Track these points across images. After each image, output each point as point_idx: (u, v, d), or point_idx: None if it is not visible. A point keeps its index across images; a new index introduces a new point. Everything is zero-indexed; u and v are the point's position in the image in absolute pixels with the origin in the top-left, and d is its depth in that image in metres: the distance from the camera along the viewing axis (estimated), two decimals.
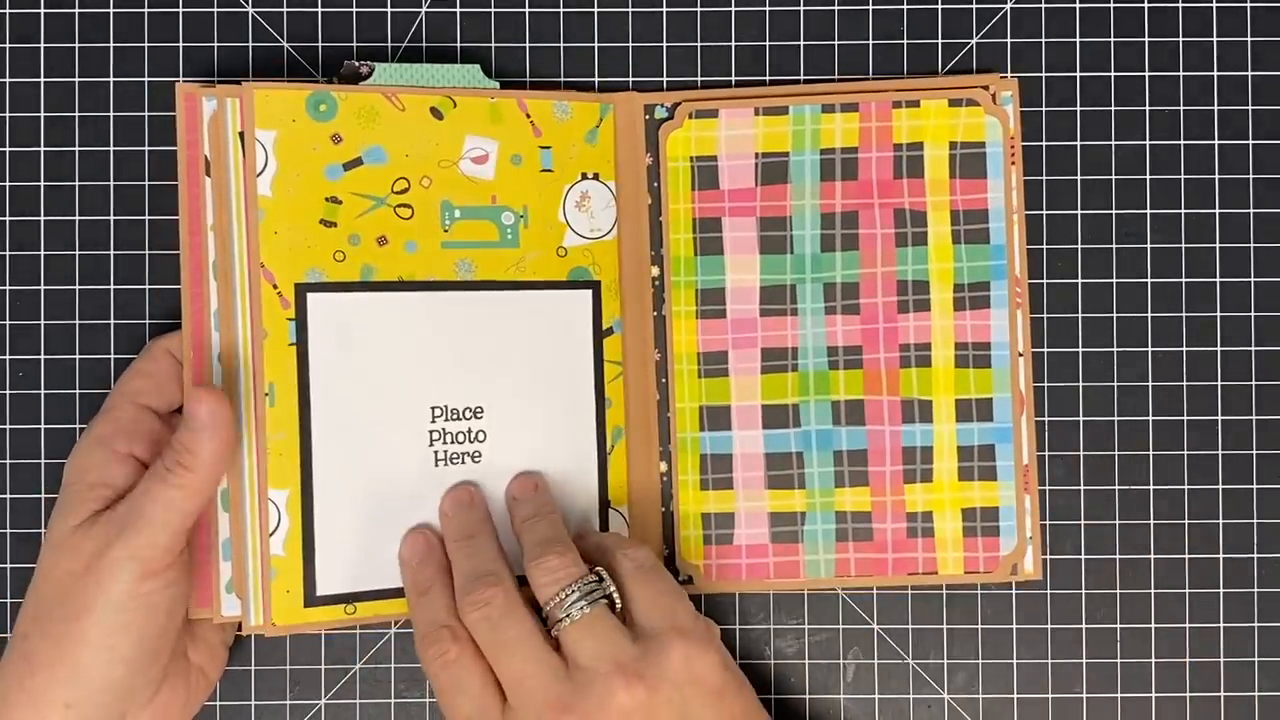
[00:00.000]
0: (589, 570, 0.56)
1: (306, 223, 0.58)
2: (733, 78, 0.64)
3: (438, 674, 0.56)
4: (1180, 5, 0.65)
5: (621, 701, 0.53)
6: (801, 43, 0.64)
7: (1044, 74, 0.65)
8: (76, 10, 0.63)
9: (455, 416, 0.60)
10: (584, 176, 0.62)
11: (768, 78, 0.64)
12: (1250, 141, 0.65)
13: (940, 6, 0.65)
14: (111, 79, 0.63)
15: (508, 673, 0.54)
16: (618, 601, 0.56)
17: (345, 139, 0.58)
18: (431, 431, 0.60)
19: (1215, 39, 0.65)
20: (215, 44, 0.64)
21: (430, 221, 0.60)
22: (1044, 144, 0.64)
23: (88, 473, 0.57)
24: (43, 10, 0.63)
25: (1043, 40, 0.65)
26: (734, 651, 0.64)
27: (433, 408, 0.60)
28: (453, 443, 0.60)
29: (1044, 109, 0.65)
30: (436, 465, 0.60)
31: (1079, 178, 0.65)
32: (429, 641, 0.56)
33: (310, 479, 0.58)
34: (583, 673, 0.54)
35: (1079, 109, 0.65)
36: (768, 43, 0.64)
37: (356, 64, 0.60)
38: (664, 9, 0.64)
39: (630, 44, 0.64)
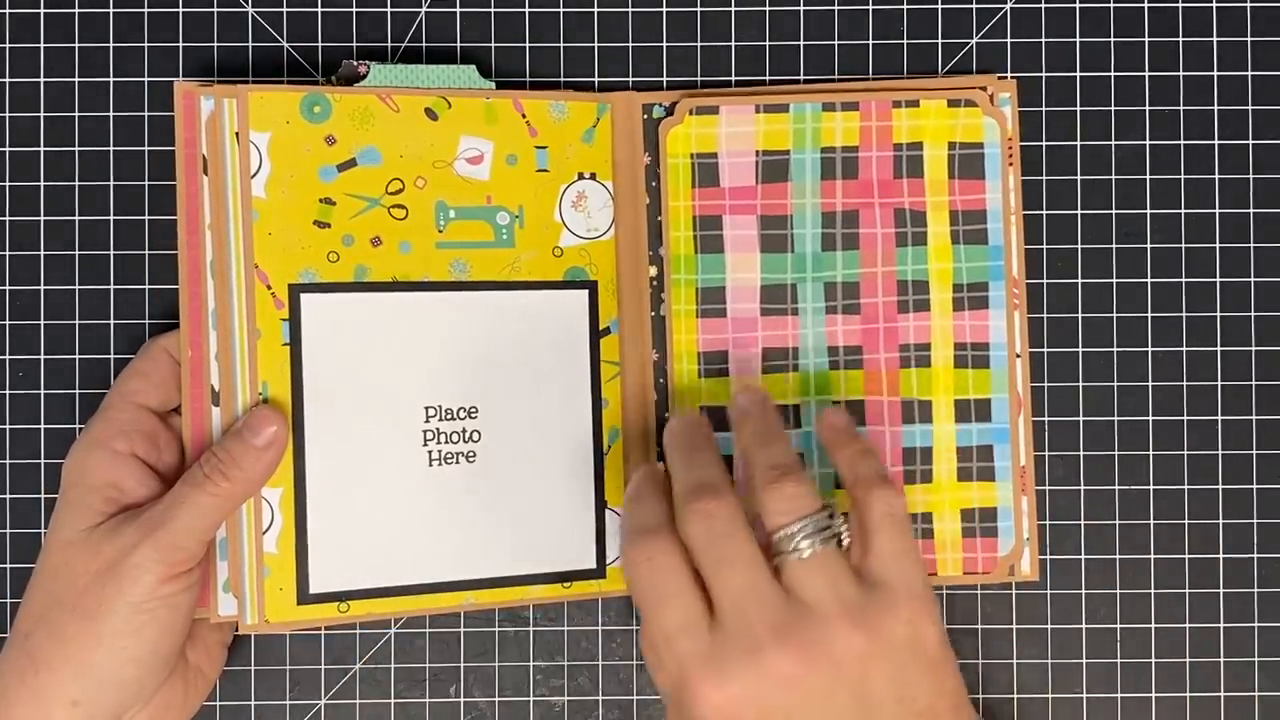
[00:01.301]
0: (823, 505, 0.53)
1: (300, 224, 0.58)
2: (732, 77, 0.64)
3: (644, 576, 0.53)
4: (1180, 5, 0.64)
5: (841, 646, 0.50)
6: (801, 43, 0.64)
7: (1043, 74, 0.64)
8: (76, 10, 0.64)
9: (449, 416, 0.60)
10: (581, 176, 0.62)
11: (767, 77, 0.64)
12: (1250, 141, 0.64)
13: (940, 6, 0.64)
14: (111, 79, 0.64)
15: (726, 589, 0.51)
16: (845, 541, 0.53)
17: (339, 140, 0.59)
18: (425, 431, 0.60)
19: (1215, 39, 0.64)
20: (215, 44, 0.64)
21: (425, 222, 0.60)
22: (1043, 144, 0.64)
23: (90, 474, 0.57)
24: (43, 10, 0.64)
25: (1042, 40, 0.64)
26: None
27: (426, 408, 0.60)
28: (447, 442, 0.60)
29: (1043, 109, 0.64)
30: (430, 465, 0.60)
31: (1079, 178, 0.64)
32: (637, 541, 0.53)
33: (304, 478, 0.58)
34: (805, 607, 0.51)
35: (1079, 109, 0.64)
36: (768, 43, 0.64)
37: (355, 64, 0.60)
38: (664, 9, 0.64)
39: (630, 44, 0.64)
